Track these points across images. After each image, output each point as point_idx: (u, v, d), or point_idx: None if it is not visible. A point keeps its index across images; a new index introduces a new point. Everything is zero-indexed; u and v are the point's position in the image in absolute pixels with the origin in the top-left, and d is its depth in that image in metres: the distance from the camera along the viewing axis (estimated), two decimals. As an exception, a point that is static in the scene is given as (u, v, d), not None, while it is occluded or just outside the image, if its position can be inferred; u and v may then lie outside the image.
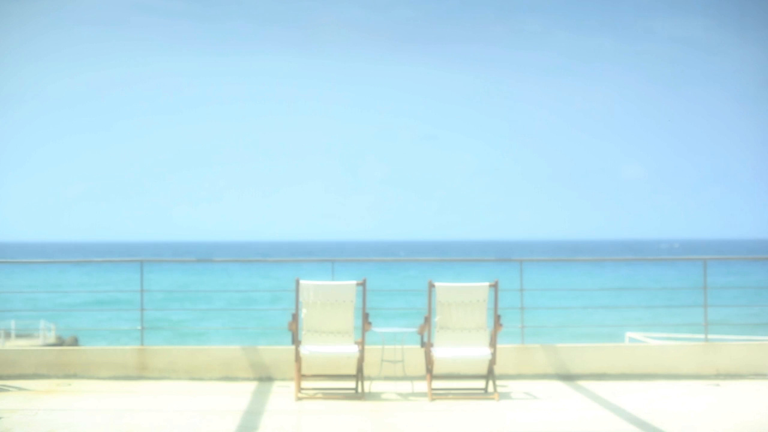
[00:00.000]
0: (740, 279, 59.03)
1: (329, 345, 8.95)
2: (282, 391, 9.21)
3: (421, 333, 9.20)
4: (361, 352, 9.00)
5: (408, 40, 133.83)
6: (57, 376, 9.83)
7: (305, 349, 8.91)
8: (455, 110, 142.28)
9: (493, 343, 9.02)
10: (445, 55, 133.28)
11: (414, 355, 9.70)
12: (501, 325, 9.09)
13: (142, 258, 11.03)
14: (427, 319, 9.13)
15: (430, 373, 8.98)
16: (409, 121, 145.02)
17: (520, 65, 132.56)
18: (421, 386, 9.36)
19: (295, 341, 9.02)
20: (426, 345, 9.12)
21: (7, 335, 24.78)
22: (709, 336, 10.78)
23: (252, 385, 9.51)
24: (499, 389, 9.07)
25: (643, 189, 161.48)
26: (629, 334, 16.49)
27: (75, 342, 26.78)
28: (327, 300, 8.96)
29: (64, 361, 10.01)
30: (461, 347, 8.94)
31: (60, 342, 25.89)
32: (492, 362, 8.96)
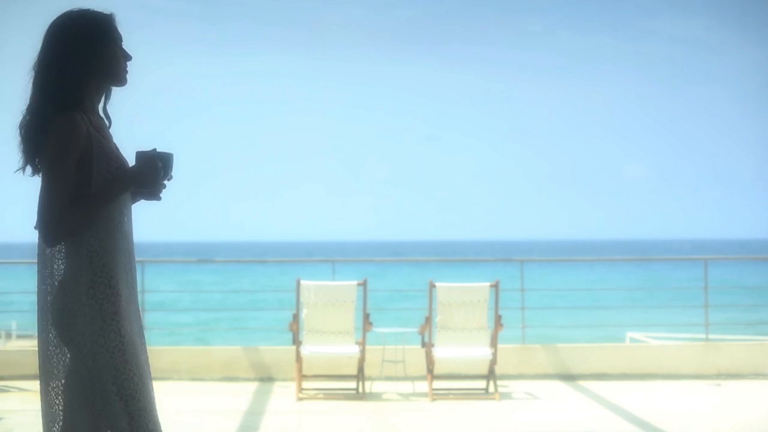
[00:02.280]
0: (741, 279, 58.99)
1: (330, 345, 8.96)
2: (283, 392, 9.22)
3: (422, 333, 9.21)
4: (362, 352, 9.01)
5: (409, 41, 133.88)
6: (58, 377, 9.82)
7: (306, 350, 8.92)
8: (456, 111, 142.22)
9: (494, 344, 9.02)
10: (446, 56, 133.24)
11: (415, 355, 9.70)
12: (502, 325, 9.09)
13: (142, 258, 11.03)
14: (428, 320, 9.14)
15: (431, 374, 8.98)
16: (410, 122, 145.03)
17: (520, 65, 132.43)
18: (422, 386, 9.36)
19: (296, 341, 9.03)
20: (427, 345, 9.13)
21: (9, 336, 24.79)
22: (710, 336, 10.79)
23: (253, 386, 9.52)
24: (500, 389, 9.07)
25: (644, 189, 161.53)
26: (630, 334, 16.46)
27: (76, 342, 26.74)
28: (328, 300, 8.97)
29: (65, 362, 10.01)
30: (462, 347, 8.95)
31: (61, 342, 25.86)
32: (493, 362, 8.96)
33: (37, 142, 3.14)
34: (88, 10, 3.24)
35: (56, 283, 3.13)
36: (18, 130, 3.20)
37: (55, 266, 3.14)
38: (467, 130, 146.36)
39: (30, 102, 3.19)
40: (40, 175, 3.16)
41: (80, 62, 3.17)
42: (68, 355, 3.12)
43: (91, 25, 3.21)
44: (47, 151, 3.10)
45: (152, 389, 3.25)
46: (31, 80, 3.20)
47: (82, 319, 3.10)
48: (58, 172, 3.09)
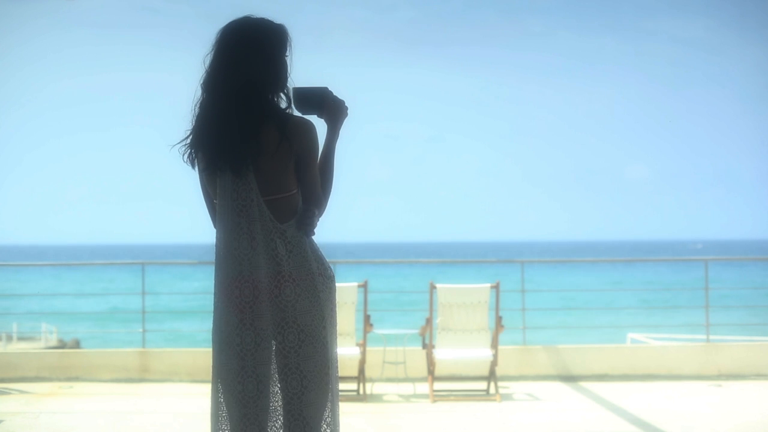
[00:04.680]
0: (742, 280, 59.00)
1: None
2: (284, 393, 9.20)
3: (422, 334, 9.21)
4: (363, 353, 9.01)
5: (410, 42, 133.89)
6: (59, 379, 9.84)
7: (307, 351, 8.91)
8: (458, 112, 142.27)
9: (494, 345, 9.02)
10: (448, 57, 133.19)
11: (415, 356, 9.70)
12: (502, 326, 9.09)
13: (143, 260, 11.04)
14: (429, 321, 9.14)
15: (432, 375, 8.98)
16: (412, 124, 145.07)
17: (522, 66, 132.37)
18: (423, 388, 9.36)
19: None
20: (428, 346, 9.13)
21: (9, 338, 24.79)
22: (711, 337, 10.79)
23: (254, 387, 9.51)
24: (500, 390, 9.07)
25: (645, 190, 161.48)
26: (631, 335, 16.48)
27: (77, 345, 26.70)
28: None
29: (66, 364, 10.02)
30: (463, 349, 8.95)
31: (62, 345, 25.84)
32: (494, 363, 8.96)
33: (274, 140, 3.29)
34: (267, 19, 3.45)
35: (288, 275, 3.32)
36: (223, 127, 3.30)
37: (281, 249, 3.32)
38: (469, 131, 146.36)
39: (245, 102, 3.30)
40: (251, 172, 3.30)
41: (285, 65, 3.42)
42: (305, 336, 3.32)
43: (286, 34, 3.44)
44: (312, 148, 3.36)
45: None
46: (232, 78, 3.31)
47: (323, 308, 3.36)
48: (329, 168, 3.46)
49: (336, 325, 3.48)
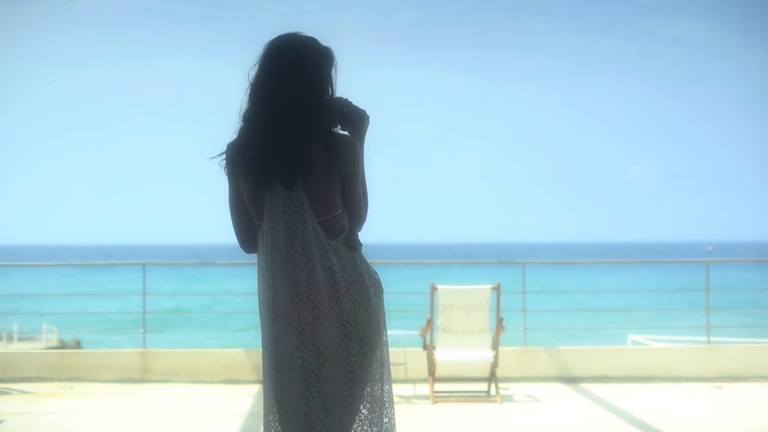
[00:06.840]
0: (743, 281, 58.97)
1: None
2: (284, 394, 9.19)
3: (423, 335, 9.21)
4: (364, 354, 9.00)
5: (413, 43, 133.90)
6: (59, 379, 9.85)
7: (307, 352, 8.91)
8: (461, 113, 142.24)
9: (495, 346, 9.02)
10: (451, 58, 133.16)
11: (416, 357, 9.70)
12: (503, 327, 9.10)
13: (144, 261, 11.04)
14: (430, 322, 9.14)
15: (432, 376, 8.98)
16: (415, 124, 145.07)
17: (524, 67, 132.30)
18: (424, 389, 9.36)
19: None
20: (428, 347, 9.13)
21: (10, 338, 24.79)
22: (712, 338, 10.78)
23: (255, 388, 9.52)
24: (501, 392, 9.07)
25: (648, 191, 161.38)
26: (632, 337, 16.47)
27: (77, 345, 26.67)
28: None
29: (67, 364, 10.02)
30: (464, 350, 8.95)
31: (62, 345, 25.82)
32: (494, 365, 8.96)
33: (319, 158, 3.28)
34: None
35: (344, 289, 3.33)
36: (273, 142, 3.27)
37: (336, 266, 3.35)
38: (472, 132, 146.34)
39: (290, 119, 3.28)
40: (298, 186, 3.28)
41: (329, 85, 3.40)
42: (367, 349, 3.35)
43: (331, 55, 3.42)
44: (358, 165, 3.40)
45: None
46: (284, 93, 3.29)
47: (378, 315, 3.39)
48: (364, 181, 3.49)
49: (386, 327, 3.50)
